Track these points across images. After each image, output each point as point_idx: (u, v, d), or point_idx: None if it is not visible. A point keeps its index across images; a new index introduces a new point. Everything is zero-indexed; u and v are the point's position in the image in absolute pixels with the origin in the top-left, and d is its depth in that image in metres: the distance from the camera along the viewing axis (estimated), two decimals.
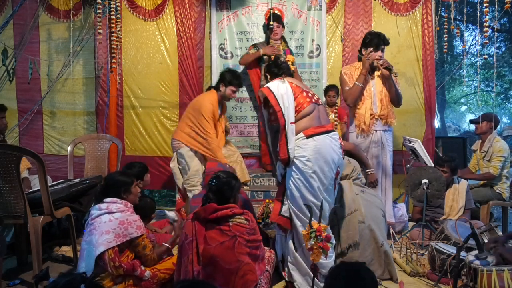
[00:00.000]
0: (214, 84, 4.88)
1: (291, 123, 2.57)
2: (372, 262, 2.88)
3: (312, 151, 2.53)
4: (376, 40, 3.65)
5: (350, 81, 3.74)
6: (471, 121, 4.65)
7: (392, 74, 3.61)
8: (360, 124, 3.70)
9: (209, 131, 3.70)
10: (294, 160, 2.56)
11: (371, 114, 3.71)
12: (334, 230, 2.91)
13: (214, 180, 2.31)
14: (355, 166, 3.34)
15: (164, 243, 2.67)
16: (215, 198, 2.26)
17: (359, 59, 3.86)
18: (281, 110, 2.58)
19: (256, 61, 4.56)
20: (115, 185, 2.51)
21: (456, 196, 3.72)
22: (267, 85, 2.75)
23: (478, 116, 4.57)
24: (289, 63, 4.52)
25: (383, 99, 3.73)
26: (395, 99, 3.77)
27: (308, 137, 2.57)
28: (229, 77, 3.82)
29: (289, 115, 2.57)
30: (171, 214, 2.85)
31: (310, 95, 2.72)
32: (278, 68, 2.92)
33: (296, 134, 2.58)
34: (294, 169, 2.57)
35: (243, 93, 4.99)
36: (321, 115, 2.73)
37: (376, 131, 3.72)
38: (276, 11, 4.60)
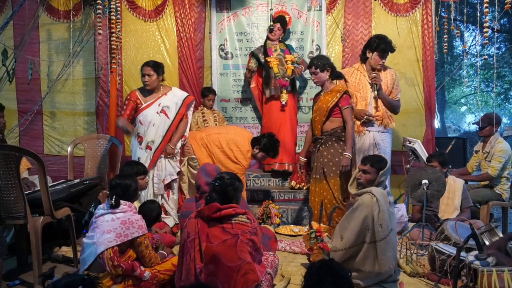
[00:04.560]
0: (213, 84, 4.92)
1: None
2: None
3: None
4: (383, 46, 3.63)
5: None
6: (475, 123, 4.63)
7: (373, 88, 3.66)
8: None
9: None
10: None
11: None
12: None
13: (218, 181, 2.32)
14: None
15: (163, 251, 2.71)
16: (219, 198, 2.27)
17: (362, 60, 3.86)
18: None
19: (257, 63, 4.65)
20: (128, 189, 2.54)
21: (452, 194, 3.71)
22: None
23: (478, 117, 4.56)
24: (289, 63, 4.55)
25: (379, 101, 3.75)
26: (389, 108, 3.80)
27: None
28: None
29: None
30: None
31: None
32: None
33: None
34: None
35: (243, 93, 5.00)
36: None
37: (369, 131, 3.75)
38: (286, 16, 4.64)
